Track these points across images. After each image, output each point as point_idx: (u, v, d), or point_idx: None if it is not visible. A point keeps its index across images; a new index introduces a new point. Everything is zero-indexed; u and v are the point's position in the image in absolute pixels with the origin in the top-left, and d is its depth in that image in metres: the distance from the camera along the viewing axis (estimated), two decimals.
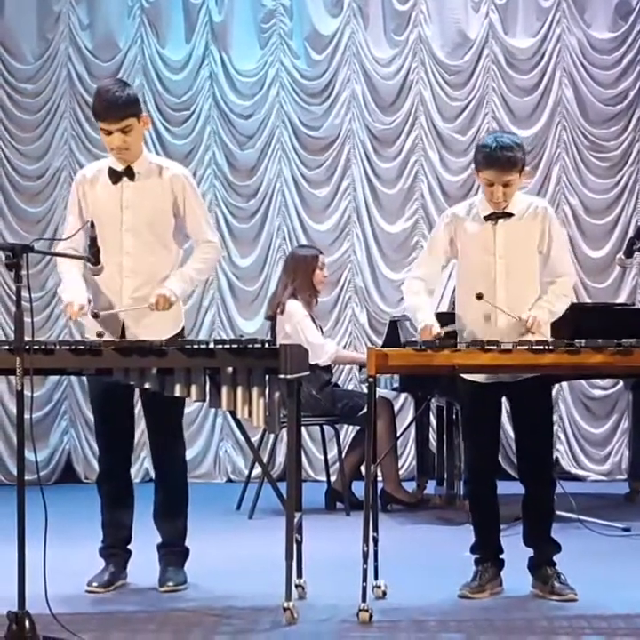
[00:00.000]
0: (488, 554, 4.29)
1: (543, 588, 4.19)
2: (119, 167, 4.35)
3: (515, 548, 4.34)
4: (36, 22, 8.01)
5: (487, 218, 4.20)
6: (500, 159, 4.09)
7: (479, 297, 4.07)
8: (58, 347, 3.89)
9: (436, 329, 4.09)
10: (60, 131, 7.99)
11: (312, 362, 6.15)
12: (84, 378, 7.41)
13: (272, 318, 6.44)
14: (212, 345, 3.90)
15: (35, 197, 7.99)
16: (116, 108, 4.23)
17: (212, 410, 7.61)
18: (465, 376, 4.21)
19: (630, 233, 7.49)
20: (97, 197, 4.38)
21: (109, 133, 4.28)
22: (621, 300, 7.78)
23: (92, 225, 3.98)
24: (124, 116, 4.24)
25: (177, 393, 3.91)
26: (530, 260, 4.22)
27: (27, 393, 3.44)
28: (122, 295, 4.34)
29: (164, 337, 4.13)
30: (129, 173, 4.35)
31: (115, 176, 4.35)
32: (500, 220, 4.19)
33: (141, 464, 7.64)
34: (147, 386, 3.94)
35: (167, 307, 4.28)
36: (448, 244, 4.26)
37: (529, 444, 4.25)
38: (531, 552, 4.28)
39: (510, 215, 4.19)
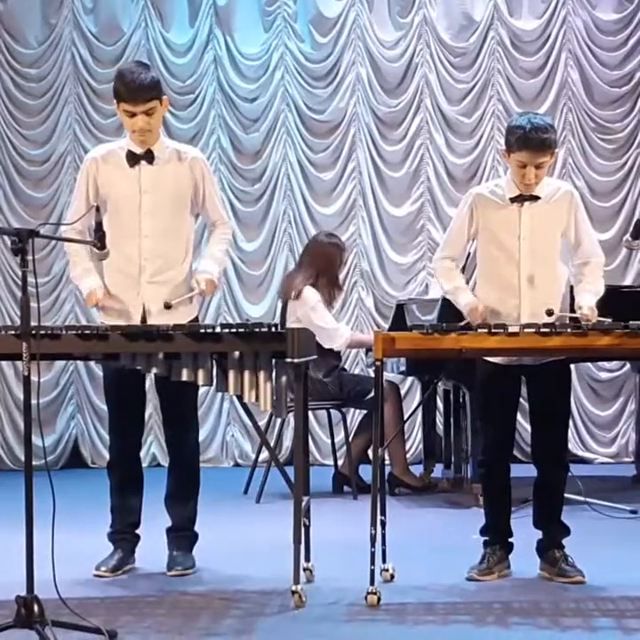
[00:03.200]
0: (497, 537, 4.29)
1: (551, 571, 4.19)
2: (138, 150, 4.34)
3: (523, 531, 4.34)
4: (39, 7, 7.99)
5: (513, 200, 4.18)
6: (534, 140, 4.05)
7: (550, 313, 4.01)
8: (64, 332, 3.88)
9: (482, 307, 4.11)
10: (64, 115, 7.97)
11: (327, 346, 6.17)
12: (91, 363, 7.51)
13: (285, 300, 6.40)
14: (218, 329, 3.90)
15: (39, 182, 7.98)
16: (142, 89, 4.23)
17: (219, 394, 7.62)
18: (486, 357, 4.19)
19: (637, 215, 7.47)
20: (111, 180, 4.37)
21: (133, 115, 4.27)
22: (628, 282, 7.76)
23: (98, 209, 3.98)
24: (150, 97, 4.25)
25: (184, 377, 3.91)
26: (553, 243, 4.21)
27: (33, 378, 3.44)
28: (140, 278, 4.34)
29: (183, 322, 4.14)
30: (148, 156, 4.34)
31: (133, 159, 4.34)
32: (527, 203, 4.17)
33: (148, 449, 7.66)
34: (154, 371, 3.94)
35: (214, 289, 4.42)
36: (471, 224, 4.24)
37: (545, 428, 4.24)
38: (539, 535, 4.28)
39: (537, 198, 4.17)
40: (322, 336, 5.99)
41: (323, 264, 6.32)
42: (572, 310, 4.19)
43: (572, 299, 4.23)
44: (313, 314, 6.19)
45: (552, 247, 4.21)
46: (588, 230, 4.29)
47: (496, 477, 4.31)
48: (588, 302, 4.11)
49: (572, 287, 4.27)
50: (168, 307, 4.27)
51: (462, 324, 4.05)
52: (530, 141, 4.06)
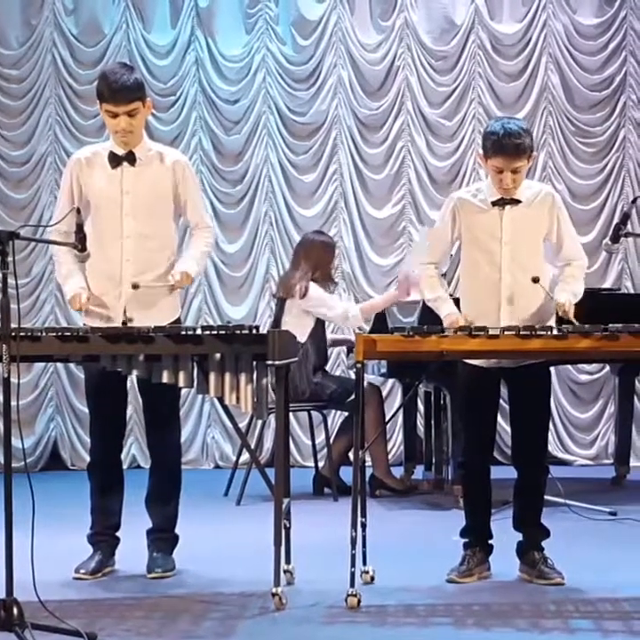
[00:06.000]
0: (477, 538, 4.30)
1: (531, 573, 4.21)
2: (120, 151, 4.34)
3: (503, 533, 4.35)
4: (20, 8, 7.96)
5: (494, 203, 4.19)
6: (508, 146, 4.07)
7: (535, 280, 4.05)
8: (44, 333, 3.87)
9: (462, 320, 4.11)
10: (44, 116, 7.95)
11: (349, 329, 6.47)
12: (71, 365, 7.48)
13: (282, 300, 6.42)
14: (199, 331, 3.90)
15: (20, 183, 7.95)
16: (124, 90, 4.23)
17: (200, 396, 7.61)
18: (466, 360, 4.21)
19: (616, 218, 7.51)
20: (94, 181, 4.36)
21: (115, 116, 4.27)
22: (608, 285, 7.80)
23: (79, 211, 3.97)
24: (132, 98, 4.25)
25: (165, 379, 3.90)
26: (535, 246, 4.22)
27: (13, 380, 3.43)
28: (122, 279, 4.33)
29: (164, 323, 4.13)
30: (130, 158, 4.34)
31: (115, 160, 4.34)
32: (508, 207, 4.18)
33: (129, 450, 7.65)
34: (135, 373, 3.94)
35: (188, 283, 4.38)
36: (454, 228, 4.25)
37: (525, 430, 4.26)
38: (519, 537, 4.29)
39: (518, 202, 4.18)
40: (340, 323, 6.49)
41: (317, 260, 6.40)
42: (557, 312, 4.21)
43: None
44: (328, 311, 6.30)
45: (534, 250, 4.22)
46: (570, 232, 4.30)
47: (476, 479, 4.32)
48: (567, 299, 4.13)
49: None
50: (135, 287, 4.26)
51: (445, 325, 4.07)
52: (504, 147, 4.07)
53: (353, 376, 5.63)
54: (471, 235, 4.23)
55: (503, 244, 4.16)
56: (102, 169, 4.36)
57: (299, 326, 6.03)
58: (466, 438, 4.35)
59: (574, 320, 4.05)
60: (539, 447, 4.32)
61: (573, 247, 4.29)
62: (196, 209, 4.46)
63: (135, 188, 4.34)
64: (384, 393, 7.14)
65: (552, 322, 4.19)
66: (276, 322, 6.40)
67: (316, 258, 6.39)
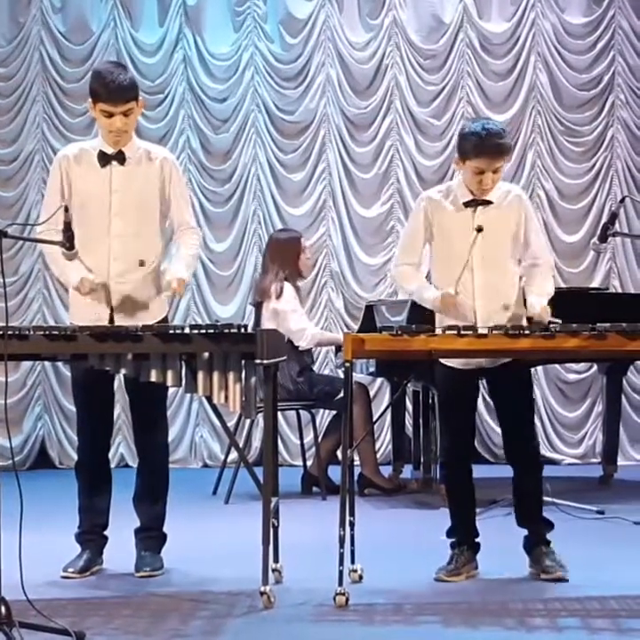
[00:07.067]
0: (464, 537, 4.31)
1: (537, 568, 4.22)
2: (110, 150, 4.33)
3: (490, 532, 4.36)
4: (7, 5, 7.94)
5: (466, 204, 4.19)
6: (491, 147, 4.07)
7: (506, 307, 4.09)
8: (32, 332, 3.85)
9: (451, 293, 4.08)
10: (32, 114, 7.93)
11: (296, 344, 6.25)
12: (59, 364, 7.47)
13: (259, 305, 6.42)
14: (187, 330, 3.89)
15: (7, 182, 7.94)
16: (121, 90, 4.22)
17: (188, 395, 7.60)
18: (443, 361, 4.22)
19: (604, 218, 7.51)
20: (82, 179, 4.34)
21: (111, 115, 4.25)
22: (595, 284, 7.81)
23: (66, 209, 3.95)
24: (129, 98, 4.24)
25: (153, 378, 3.89)
26: (506, 246, 4.22)
27: (0, 379, 3.42)
28: (109, 278, 4.32)
29: (151, 322, 4.12)
30: (120, 157, 4.33)
31: (104, 159, 4.33)
32: (480, 208, 4.18)
33: (117, 449, 7.63)
34: (123, 371, 3.93)
35: (183, 290, 4.32)
36: (426, 228, 4.24)
37: (515, 428, 4.26)
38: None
39: (489, 202, 4.18)
40: (292, 336, 6.23)
41: (283, 258, 6.38)
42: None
43: (524, 300, 4.25)
44: (291, 314, 6.25)
45: (504, 250, 4.22)
46: (538, 232, 4.32)
47: (458, 478, 4.33)
48: (539, 303, 4.13)
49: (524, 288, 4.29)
50: (142, 264, 4.28)
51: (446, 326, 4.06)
52: (487, 148, 4.07)
53: (341, 375, 5.63)
54: (442, 235, 4.22)
55: (475, 245, 4.14)
56: (91, 167, 4.34)
57: (279, 328, 6.02)
58: (445, 440, 4.38)
59: (556, 320, 4.05)
60: (531, 442, 4.32)
61: (540, 245, 4.30)
62: (180, 209, 4.43)
63: (124, 187, 4.33)
64: (372, 392, 7.15)
65: (524, 321, 4.19)
66: (256, 327, 6.37)
67: (281, 256, 6.38)
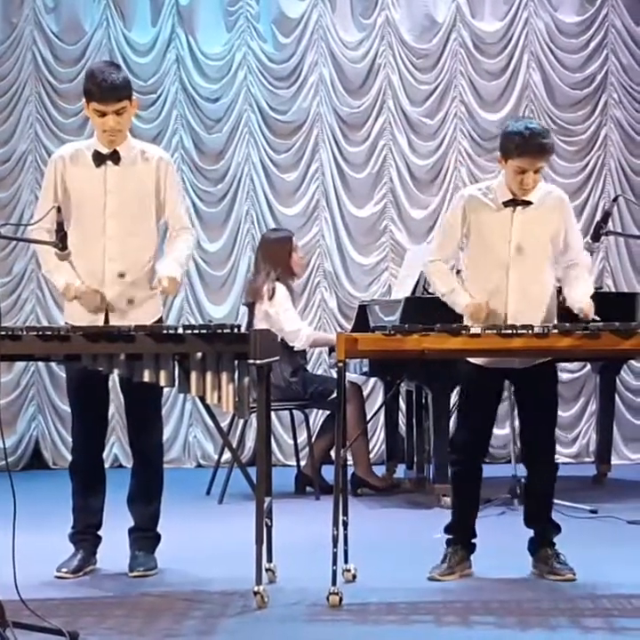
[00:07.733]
0: (461, 536, 4.30)
1: (543, 569, 4.22)
2: (104, 150, 4.33)
3: (484, 531, 4.37)
4: (0, 5, 7.92)
5: (506, 204, 4.18)
6: (534, 146, 4.06)
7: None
8: (25, 332, 3.85)
9: (485, 303, 4.10)
10: (25, 114, 7.92)
11: (291, 344, 6.25)
12: (53, 364, 7.46)
13: (251, 305, 6.42)
14: (180, 330, 3.89)
15: (0, 182, 7.92)
16: (114, 89, 4.21)
17: (182, 395, 7.60)
18: (468, 358, 4.20)
19: (597, 217, 7.53)
20: (76, 179, 4.34)
21: (103, 115, 4.25)
22: None
23: (59, 210, 3.95)
24: (121, 97, 4.24)
25: (146, 378, 3.89)
26: (543, 248, 4.20)
27: None
28: (104, 279, 4.31)
29: (146, 323, 4.12)
30: (114, 157, 4.32)
31: (99, 159, 4.32)
32: (519, 208, 4.17)
33: (111, 449, 7.63)
34: (116, 372, 3.93)
35: (176, 289, 4.32)
36: (464, 225, 4.22)
37: (535, 430, 4.26)
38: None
39: (529, 203, 4.17)
40: (287, 337, 6.21)
41: (274, 258, 6.37)
42: (560, 313, 4.20)
43: (559, 302, 4.24)
44: (283, 314, 6.24)
45: (542, 252, 4.20)
46: (578, 234, 4.30)
47: (467, 477, 4.32)
48: (584, 299, 4.11)
49: (559, 289, 4.28)
50: (122, 275, 4.27)
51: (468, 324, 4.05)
52: (530, 147, 4.07)
53: (334, 375, 5.63)
54: (479, 234, 4.20)
55: (512, 246, 4.14)
56: (86, 167, 4.34)
57: (272, 328, 6.02)
58: (462, 435, 4.33)
59: (597, 318, 4.05)
60: (548, 446, 4.33)
61: (580, 248, 4.26)
62: (175, 209, 4.43)
63: (119, 187, 4.32)
64: (366, 392, 7.15)
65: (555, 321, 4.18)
66: (249, 328, 6.36)
67: (272, 256, 6.37)
